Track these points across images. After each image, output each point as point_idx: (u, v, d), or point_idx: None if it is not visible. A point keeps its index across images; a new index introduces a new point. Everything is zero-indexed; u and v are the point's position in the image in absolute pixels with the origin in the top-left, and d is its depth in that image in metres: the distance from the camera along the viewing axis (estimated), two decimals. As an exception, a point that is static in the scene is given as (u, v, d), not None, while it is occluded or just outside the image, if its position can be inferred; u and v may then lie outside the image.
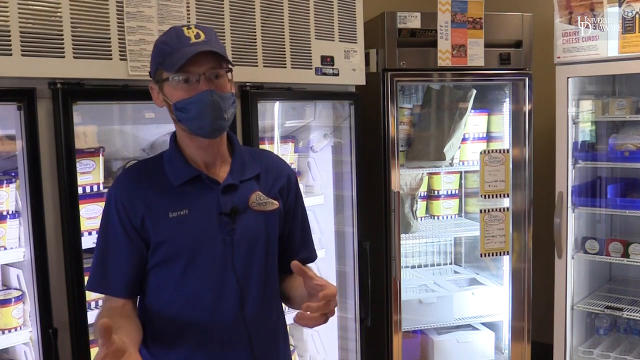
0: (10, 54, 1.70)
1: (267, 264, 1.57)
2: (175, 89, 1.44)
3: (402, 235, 3.20)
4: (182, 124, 1.47)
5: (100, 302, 2.02)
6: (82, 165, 2.00)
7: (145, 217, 1.47)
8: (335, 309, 1.46)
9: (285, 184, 1.64)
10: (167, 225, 1.47)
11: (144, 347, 1.54)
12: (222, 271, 1.50)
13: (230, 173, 1.55)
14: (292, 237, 1.68)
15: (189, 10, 2.11)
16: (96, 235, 1.96)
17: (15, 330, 1.89)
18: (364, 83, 2.84)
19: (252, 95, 2.30)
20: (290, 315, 2.67)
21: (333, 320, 2.99)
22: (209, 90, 1.43)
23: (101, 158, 2.08)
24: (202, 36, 1.45)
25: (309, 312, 1.35)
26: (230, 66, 1.49)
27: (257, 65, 2.34)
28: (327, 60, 2.62)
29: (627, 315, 3.17)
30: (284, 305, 1.70)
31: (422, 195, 3.68)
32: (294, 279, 1.62)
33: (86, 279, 1.86)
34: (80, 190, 1.92)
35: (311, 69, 2.57)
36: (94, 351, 1.96)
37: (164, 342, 1.52)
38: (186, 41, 1.44)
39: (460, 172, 3.75)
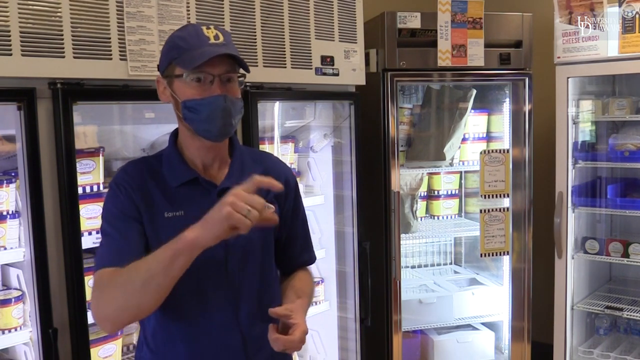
0: (10, 54, 1.70)
1: (262, 268, 1.55)
2: (187, 86, 1.43)
3: (402, 235, 3.20)
4: (188, 122, 1.45)
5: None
6: (82, 165, 1.99)
7: (144, 211, 1.46)
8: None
9: (283, 189, 1.62)
10: (163, 225, 1.46)
11: (145, 344, 1.54)
12: (216, 275, 1.48)
13: (228, 176, 1.53)
14: (293, 241, 1.67)
15: (189, 10, 2.11)
16: (96, 235, 1.98)
17: (15, 330, 1.89)
18: (364, 83, 2.84)
19: (252, 95, 2.30)
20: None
21: (333, 320, 2.99)
22: (222, 95, 1.42)
23: (101, 158, 2.07)
24: (221, 38, 1.44)
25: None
26: (246, 73, 1.48)
27: (257, 65, 2.34)
28: (327, 60, 2.63)
29: (627, 315, 3.17)
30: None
31: (422, 195, 3.68)
32: (285, 284, 1.64)
33: (86, 279, 1.87)
34: (80, 190, 1.92)
35: (311, 69, 2.57)
36: (94, 351, 1.97)
37: (162, 342, 1.51)
38: (205, 40, 1.42)
39: (460, 172, 3.75)
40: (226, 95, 1.43)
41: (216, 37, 1.44)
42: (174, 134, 1.57)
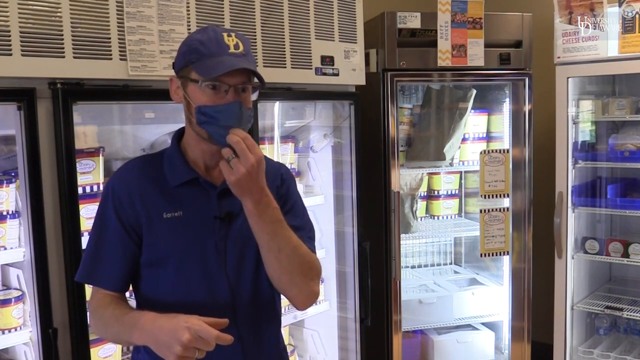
0: (10, 54, 1.70)
1: (259, 270, 1.53)
2: (202, 92, 1.42)
3: (402, 235, 3.20)
4: (202, 127, 1.44)
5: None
6: (82, 165, 2.00)
7: (141, 215, 1.47)
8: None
9: (280, 184, 1.61)
10: (161, 226, 1.47)
11: (142, 346, 1.53)
12: (214, 276, 1.48)
13: None
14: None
15: (189, 10, 2.11)
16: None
17: (15, 330, 1.89)
18: (364, 83, 2.84)
19: (252, 95, 2.30)
20: (289, 315, 2.67)
21: (333, 321, 2.99)
22: (237, 102, 1.41)
23: (101, 158, 2.08)
24: (241, 47, 1.43)
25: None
26: (263, 85, 1.47)
27: (257, 65, 2.33)
28: (327, 60, 2.62)
29: (627, 315, 3.17)
30: (284, 309, 1.67)
31: (422, 195, 3.68)
32: None
33: (86, 279, 1.86)
34: (80, 190, 1.92)
35: (311, 69, 2.57)
36: (94, 351, 1.97)
37: None
38: (225, 49, 1.41)
39: (460, 172, 3.75)
40: (241, 102, 1.42)
41: (236, 46, 1.43)
42: (177, 134, 1.57)
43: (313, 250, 1.60)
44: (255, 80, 1.47)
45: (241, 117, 1.42)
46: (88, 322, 1.86)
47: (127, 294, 1.56)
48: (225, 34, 1.44)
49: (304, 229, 1.60)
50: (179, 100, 1.50)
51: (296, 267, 1.47)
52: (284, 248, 1.44)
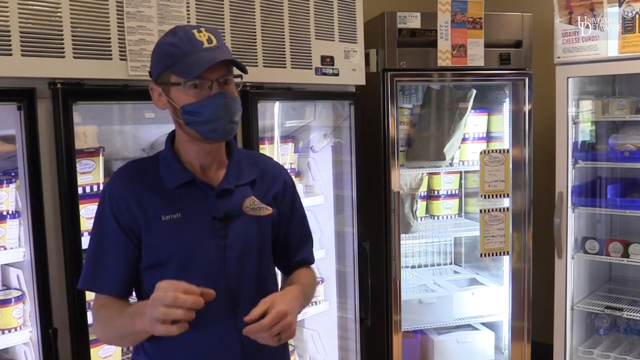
0: (10, 54, 1.70)
1: (259, 269, 1.54)
2: (185, 94, 1.42)
3: (402, 235, 3.20)
4: (191, 127, 1.44)
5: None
6: (82, 165, 1.99)
7: (139, 219, 1.47)
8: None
9: (281, 190, 1.62)
10: (160, 229, 1.47)
11: (141, 348, 1.54)
12: (214, 277, 1.48)
13: (225, 177, 1.53)
14: (289, 239, 1.66)
15: (189, 10, 2.11)
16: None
17: (15, 330, 1.89)
18: (364, 83, 2.84)
19: (252, 95, 2.30)
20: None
21: (333, 320, 2.99)
22: (221, 92, 1.42)
23: (101, 158, 2.07)
24: (214, 41, 1.43)
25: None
26: (242, 73, 1.48)
27: (257, 65, 2.34)
28: (327, 60, 2.63)
29: (627, 315, 3.17)
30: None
31: (422, 195, 3.68)
32: (284, 283, 1.64)
33: (86, 279, 1.86)
34: (80, 190, 1.92)
35: (311, 69, 2.57)
36: (94, 351, 1.97)
37: (158, 347, 1.50)
38: (199, 45, 1.41)
39: (460, 172, 3.75)
40: (225, 92, 1.43)
41: (209, 40, 1.42)
42: (171, 136, 1.56)
43: (313, 258, 1.75)
44: (236, 71, 1.47)
45: (227, 106, 1.42)
46: (88, 322, 1.87)
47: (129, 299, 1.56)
48: (195, 31, 1.43)
49: (308, 243, 1.73)
50: (164, 107, 1.49)
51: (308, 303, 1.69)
52: (305, 305, 1.60)
